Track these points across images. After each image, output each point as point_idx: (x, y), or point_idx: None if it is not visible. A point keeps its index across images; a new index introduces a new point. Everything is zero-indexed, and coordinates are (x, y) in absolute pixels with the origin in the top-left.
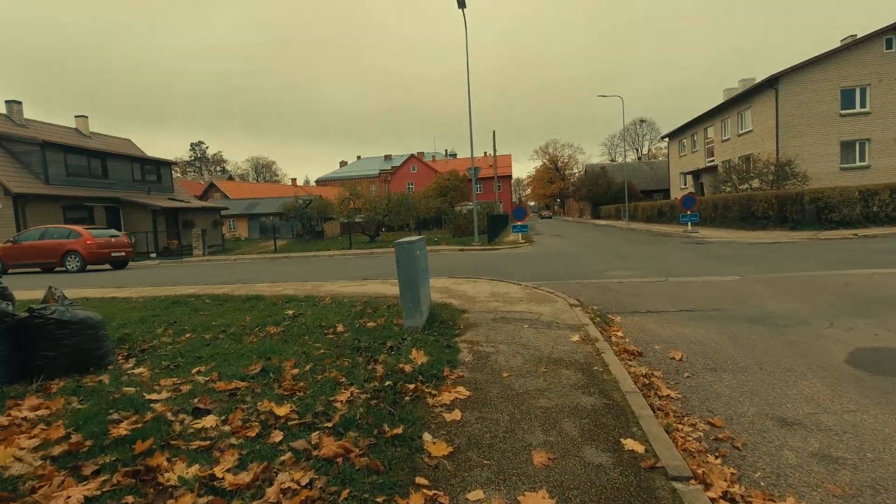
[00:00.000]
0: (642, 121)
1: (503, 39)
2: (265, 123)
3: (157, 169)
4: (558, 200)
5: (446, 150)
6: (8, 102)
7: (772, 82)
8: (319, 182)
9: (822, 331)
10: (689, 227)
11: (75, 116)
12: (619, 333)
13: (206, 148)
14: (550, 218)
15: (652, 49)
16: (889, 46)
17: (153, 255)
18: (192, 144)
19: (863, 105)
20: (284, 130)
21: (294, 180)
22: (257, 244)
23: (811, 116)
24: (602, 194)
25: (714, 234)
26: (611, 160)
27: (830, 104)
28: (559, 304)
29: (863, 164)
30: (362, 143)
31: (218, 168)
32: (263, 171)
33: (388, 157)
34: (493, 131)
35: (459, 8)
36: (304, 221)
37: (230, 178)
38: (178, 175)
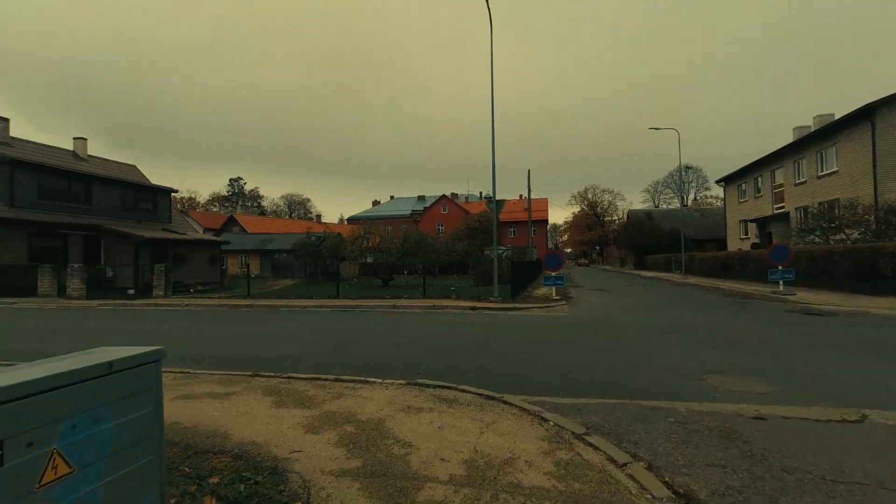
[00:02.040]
0: (688, 167)
1: (540, 89)
2: (307, 163)
3: (154, 197)
4: (597, 248)
5: (481, 193)
6: None
7: (866, 114)
8: (351, 220)
9: None
10: (782, 287)
11: (74, 138)
12: None
13: (244, 184)
14: (588, 266)
15: (685, 101)
16: None
17: (131, 290)
18: (230, 180)
19: None
20: (325, 170)
21: (318, 216)
22: (265, 283)
23: None
24: (647, 243)
25: (819, 298)
26: (654, 206)
27: None
28: None
29: None
30: (399, 185)
31: (254, 204)
32: (298, 207)
33: (421, 198)
34: (528, 170)
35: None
36: (317, 260)
37: (262, 213)
38: (216, 209)
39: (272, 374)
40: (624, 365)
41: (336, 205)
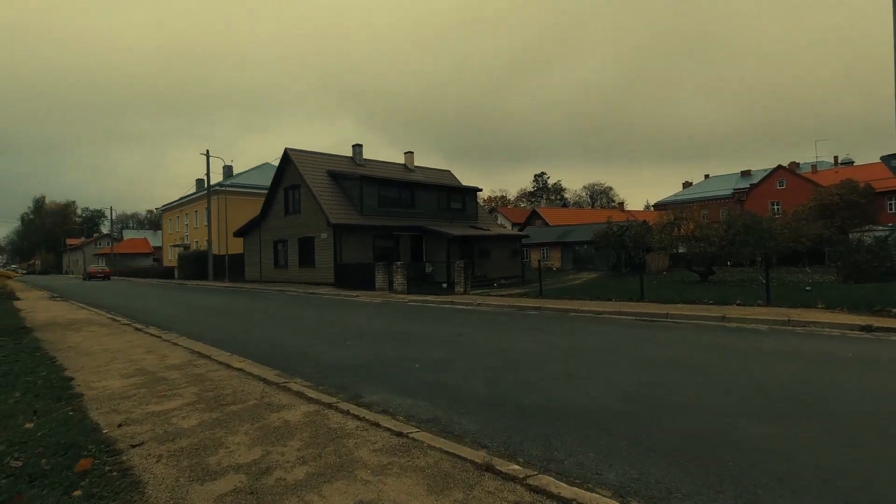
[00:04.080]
0: None
1: None
2: (608, 151)
3: (463, 197)
4: None
5: (836, 158)
6: (354, 146)
7: None
8: (657, 206)
9: None
10: None
11: (404, 153)
12: None
13: (548, 178)
14: None
15: None
16: None
17: (444, 284)
18: (535, 176)
19: None
20: (627, 157)
21: (621, 204)
22: (564, 276)
23: None
24: None
25: None
26: None
27: None
28: None
29: None
30: (714, 162)
31: (558, 196)
32: (600, 196)
33: (745, 174)
34: None
35: None
36: (619, 251)
37: (564, 204)
38: (523, 205)
39: (518, 471)
40: None
41: (640, 191)
